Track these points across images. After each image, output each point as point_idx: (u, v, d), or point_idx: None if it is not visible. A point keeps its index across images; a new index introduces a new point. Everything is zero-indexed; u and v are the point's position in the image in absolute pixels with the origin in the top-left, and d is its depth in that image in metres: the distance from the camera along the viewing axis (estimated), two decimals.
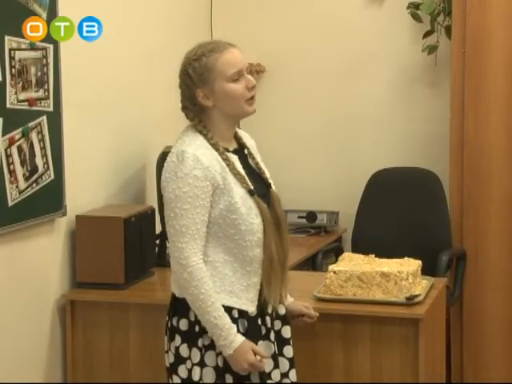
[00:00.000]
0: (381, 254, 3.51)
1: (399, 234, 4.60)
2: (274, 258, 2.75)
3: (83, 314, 3.54)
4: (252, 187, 2.74)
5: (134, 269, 3.64)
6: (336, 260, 3.81)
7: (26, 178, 3.31)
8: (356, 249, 4.43)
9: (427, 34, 4.76)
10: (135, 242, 3.64)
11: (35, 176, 3.37)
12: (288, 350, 2.86)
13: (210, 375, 2.71)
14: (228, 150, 2.78)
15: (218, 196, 2.69)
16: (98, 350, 3.53)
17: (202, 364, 2.72)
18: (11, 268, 3.28)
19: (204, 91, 2.73)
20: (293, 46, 5.08)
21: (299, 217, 5.01)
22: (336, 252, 4.57)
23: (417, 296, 3.23)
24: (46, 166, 3.43)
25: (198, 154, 2.67)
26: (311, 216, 4.98)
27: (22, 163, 3.29)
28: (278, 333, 2.84)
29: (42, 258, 3.48)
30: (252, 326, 2.73)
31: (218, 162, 2.70)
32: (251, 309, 2.74)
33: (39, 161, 3.39)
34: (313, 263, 4.54)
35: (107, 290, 3.56)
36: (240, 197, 2.70)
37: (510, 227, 4.36)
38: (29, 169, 3.32)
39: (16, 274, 3.32)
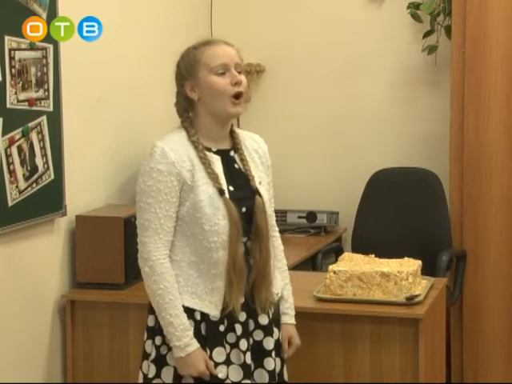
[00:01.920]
0: (381, 254, 3.51)
1: (399, 233, 4.60)
2: (238, 261, 2.68)
3: (83, 314, 3.55)
4: (224, 187, 2.69)
5: (133, 269, 3.61)
6: (336, 260, 3.81)
7: (26, 178, 3.31)
8: (356, 249, 4.43)
9: (427, 34, 4.76)
10: (135, 242, 3.63)
11: (35, 176, 3.37)
12: (269, 363, 2.78)
13: (169, 375, 2.70)
14: (210, 150, 2.74)
15: (186, 193, 2.67)
16: (98, 350, 3.53)
17: (160, 362, 2.70)
18: (11, 268, 3.28)
19: (191, 83, 2.73)
20: (293, 46, 5.08)
21: (299, 217, 5.01)
22: (336, 252, 4.57)
23: (417, 296, 3.24)
24: (45, 166, 3.43)
25: (167, 149, 2.66)
26: (311, 216, 4.98)
27: (22, 163, 3.29)
28: (259, 343, 2.77)
29: (41, 257, 3.48)
30: (211, 330, 2.68)
31: (190, 159, 2.68)
32: (214, 312, 2.68)
33: (39, 161, 3.39)
34: (313, 263, 4.54)
35: (107, 289, 3.56)
36: (208, 196, 2.66)
37: (510, 227, 4.36)
38: (29, 169, 3.32)
39: (16, 274, 3.32)
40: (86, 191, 3.76)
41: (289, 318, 2.90)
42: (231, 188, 2.72)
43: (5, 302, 3.25)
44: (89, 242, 3.59)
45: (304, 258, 4.48)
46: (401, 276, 3.23)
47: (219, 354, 2.69)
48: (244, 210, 2.73)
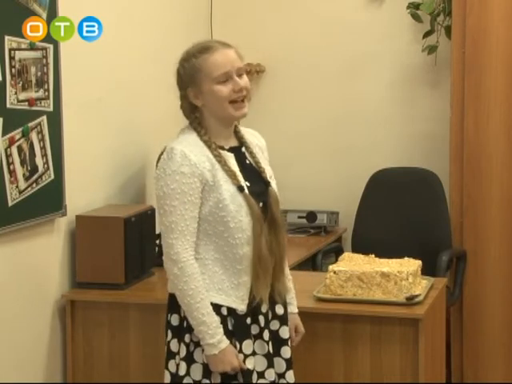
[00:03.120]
0: (381, 254, 3.51)
1: (399, 233, 4.60)
2: (263, 256, 2.74)
3: (83, 314, 3.55)
4: (243, 184, 2.74)
5: (133, 269, 3.64)
6: (336, 260, 3.81)
7: (26, 178, 3.31)
8: (356, 249, 4.43)
9: (427, 34, 4.76)
10: (135, 242, 3.64)
11: (35, 176, 3.37)
12: (285, 351, 2.85)
13: (198, 371, 2.73)
14: (223, 148, 2.78)
15: (207, 193, 2.71)
16: (98, 350, 3.53)
17: (189, 360, 2.74)
18: (11, 268, 3.28)
19: (194, 90, 2.76)
20: (293, 46, 5.08)
21: (299, 217, 5.01)
22: (336, 252, 4.57)
23: (417, 296, 3.24)
24: (46, 166, 3.43)
25: (186, 151, 2.69)
26: (311, 216, 4.98)
27: (22, 163, 3.29)
28: (275, 333, 2.84)
29: (42, 257, 3.48)
30: (239, 324, 2.74)
31: (208, 159, 2.72)
32: (241, 307, 2.74)
33: (39, 161, 3.39)
34: (313, 263, 4.54)
35: (107, 289, 3.56)
36: (230, 194, 2.71)
37: (510, 227, 4.36)
38: (29, 169, 3.32)
39: (16, 274, 3.32)
40: (86, 191, 3.76)
41: (293, 307, 2.97)
42: (248, 183, 2.78)
43: (5, 301, 3.25)
44: (89, 242, 3.59)
45: (304, 258, 4.48)
46: (401, 276, 3.23)
47: (248, 346, 2.75)
48: (261, 204, 2.78)
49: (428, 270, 3.63)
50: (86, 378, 3.55)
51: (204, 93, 2.74)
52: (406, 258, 3.43)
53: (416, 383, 3.17)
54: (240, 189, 2.72)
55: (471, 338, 4.44)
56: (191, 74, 2.75)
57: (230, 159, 2.78)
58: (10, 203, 3.22)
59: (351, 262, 3.41)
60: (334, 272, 3.31)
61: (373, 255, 3.51)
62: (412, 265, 3.35)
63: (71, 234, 3.64)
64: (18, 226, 3.29)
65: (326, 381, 3.26)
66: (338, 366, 3.25)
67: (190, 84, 2.76)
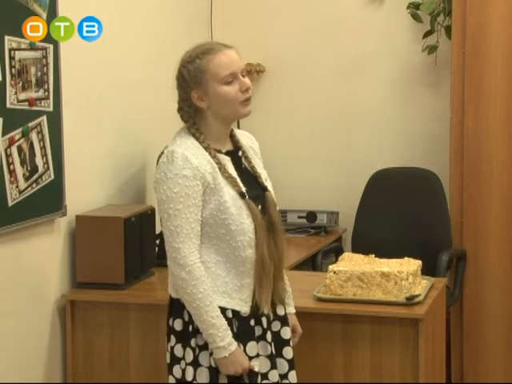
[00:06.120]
0: (381, 254, 3.51)
1: (399, 233, 4.60)
2: (265, 259, 2.74)
3: (83, 314, 3.55)
4: (243, 189, 2.73)
5: (133, 269, 3.64)
6: (336, 260, 3.81)
7: (26, 178, 3.31)
8: (356, 249, 4.43)
9: (427, 34, 4.76)
10: (135, 242, 3.65)
11: (35, 176, 3.37)
12: (287, 352, 2.85)
13: (204, 375, 2.72)
14: (220, 152, 2.77)
15: (208, 196, 2.69)
16: (98, 350, 3.53)
17: (195, 364, 2.72)
18: (11, 268, 3.28)
19: (198, 92, 2.74)
20: (293, 46, 5.08)
21: (299, 217, 5.01)
22: (336, 252, 4.57)
23: (417, 296, 3.24)
24: (46, 166, 3.43)
25: (188, 154, 2.68)
26: (311, 216, 4.98)
27: (22, 163, 3.29)
28: (277, 334, 2.84)
29: (42, 257, 3.48)
30: (243, 326, 2.73)
31: (209, 162, 2.70)
32: (244, 309, 2.73)
33: (39, 161, 3.39)
34: (313, 263, 4.54)
35: (107, 289, 3.56)
36: (230, 197, 2.70)
37: (510, 227, 4.36)
38: (29, 169, 3.32)
39: (16, 274, 3.32)
40: (86, 191, 3.76)
41: (291, 308, 2.97)
42: (245, 188, 2.76)
43: (5, 301, 3.25)
44: (89, 242, 3.59)
45: (304, 258, 4.48)
46: (401, 276, 3.23)
47: (252, 348, 2.74)
48: (259, 207, 2.78)
49: (428, 270, 3.63)
50: (86, 378, 3.55)
51: (210, 94, 2.73)
52: (406, 258, 3.43)
53: (416, 383, 3.17)
54: (242, 195, 2.72)
55: (471, 338, 4.43)
56: (196, 75, 2.73)
57: (228, 163, 2.77)
58: (10, 203, 3.22)
59: (351, 262, 3.41)
60: (334, 272, 3.31)
61: (373, 255, 3.51)
62: (412, 265, 3.35)
63: (71, 234, 3.64)
64: (18, 226, 3.29)
65: (326, 381, 3.26)
66: (338, 366, 3.25)
67: (193, 85, 2.74)
